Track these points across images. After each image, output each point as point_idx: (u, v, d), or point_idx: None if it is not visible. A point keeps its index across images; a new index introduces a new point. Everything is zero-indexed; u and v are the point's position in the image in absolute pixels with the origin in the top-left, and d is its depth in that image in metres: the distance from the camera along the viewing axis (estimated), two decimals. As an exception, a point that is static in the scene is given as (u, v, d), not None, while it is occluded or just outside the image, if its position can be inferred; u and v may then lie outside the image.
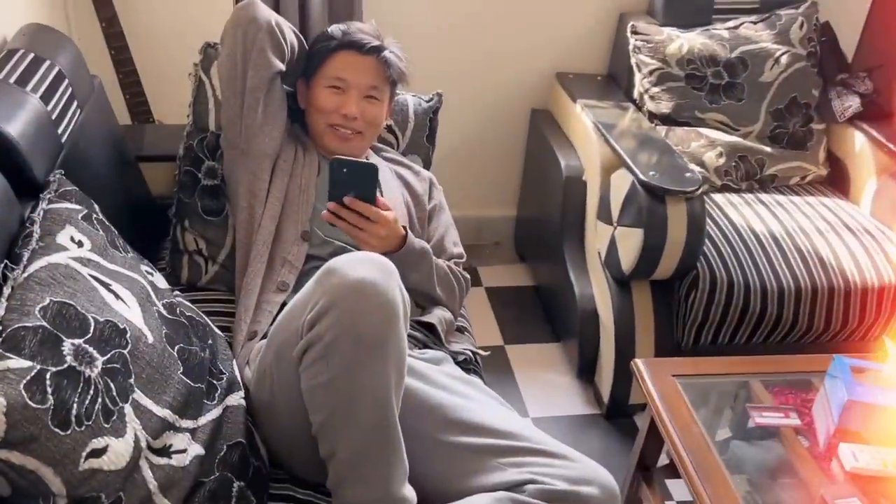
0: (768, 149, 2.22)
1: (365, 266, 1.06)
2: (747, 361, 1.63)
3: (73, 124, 1.39)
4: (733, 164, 2.18)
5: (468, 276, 1.64)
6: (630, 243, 1.87)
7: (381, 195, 1.49)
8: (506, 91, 2.53)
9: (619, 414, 2.05)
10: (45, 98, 1.31)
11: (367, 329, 1.04)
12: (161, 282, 1.26)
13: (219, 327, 1.39)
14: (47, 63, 1.38)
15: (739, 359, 1.64)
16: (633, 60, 2.25)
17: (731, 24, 2.28)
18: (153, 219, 1.71)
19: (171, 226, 1.65)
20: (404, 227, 1.45)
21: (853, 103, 2.24)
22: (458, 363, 1.47)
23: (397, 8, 2.33)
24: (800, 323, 1.91)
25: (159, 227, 1.71)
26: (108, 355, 0.97)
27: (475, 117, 2.55)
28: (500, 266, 2.69)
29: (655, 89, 2.20)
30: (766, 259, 1.92)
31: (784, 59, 2.23)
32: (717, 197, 2.15)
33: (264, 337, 1.34)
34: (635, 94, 2.28)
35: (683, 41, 2.21)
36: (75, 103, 1.42)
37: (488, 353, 1.63)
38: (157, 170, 1.74)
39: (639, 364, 1.57)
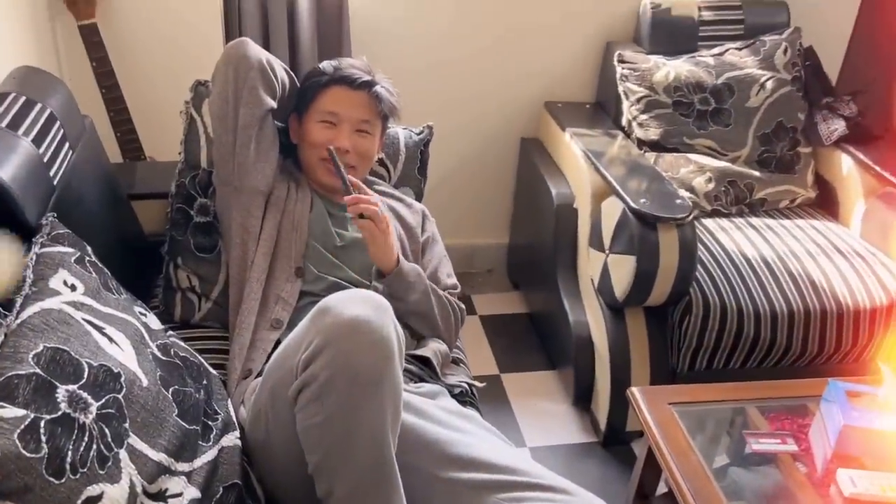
0: (757, 173, 2.24)
1: (359, 304, 1.07)
2: (743, 387, 1.63)
3: (65, 165, 1.40)
4: (723, 188, 2.20)
5: (463, 306, 1.64)
6: (623, 270, 1.88)
7: None
8: (496, 121, 2.55)
9: (616, 441, 2.04)
10: (37, 141, 1.31)
11: (363, 368, 1.03)
12: (154, 323, 1.25)
13: (212, 365, 1.39)
14: (39, 106, 1.38)
15: (735, 385, 1.65)
16: (620, 88, 2.27)
17: (716, 50, 2.32)
18: (146, 256, 1.70)
19: (163, 263, 1.65)
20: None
21: (839, 126, 2.26)
22: (454, 396, 1.47)
23: (386, 43, 2.35)
24: (794, 347, 1.91)
25: (152, 265, 1.70)
26: (103, 400, 0.97)
27: (466, 147, 2.57)
28: (494, 294, 2.70)
29: (643, 116, 2.23)
30: (757, 283, 1.93)
31: (769, 85, 2.26)
32: (708, 222, 2.16)
33: (259, 375, 1.34)
34: (624, 122, 2.30)
35: (670, 69, 2.24)
36: (67, 144, 1.43)
37: (484, 384, 1.63)
38: (150, 207, 1.74)
39: (635, 392, 1.57)
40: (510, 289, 2.72)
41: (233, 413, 1.28)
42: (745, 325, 1.88)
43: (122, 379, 1.01)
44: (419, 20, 2.36)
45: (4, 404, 0.86)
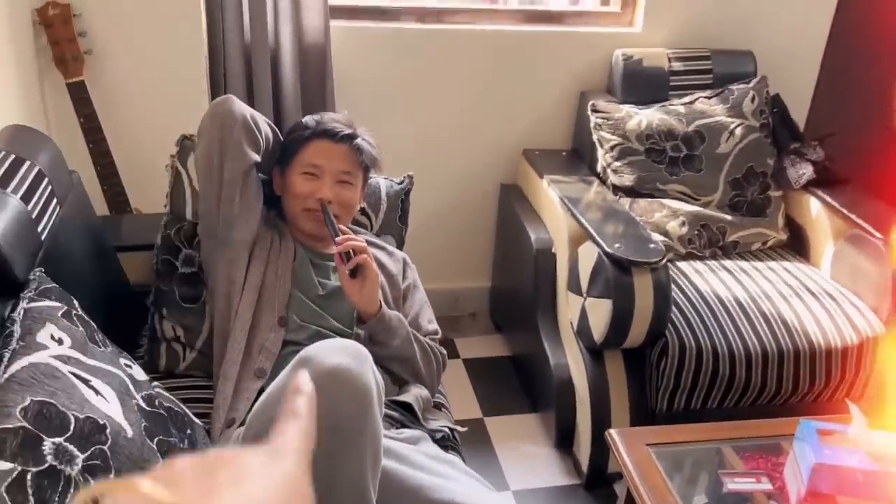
0: (729, 217, 2.31)
1: (339, 354, 1.10)
2: (718, 427, 1.67)
3: (52, 221, 1.43)
4: (696, 232, 2.26)
5: (444, 351, 1.67)
6: (600, 313, 1.92)
7: None
8: (476, 168, 2.62)
9: (598, 483, 2.06)
10: (26, 198, 1.35)
11: (343, 417, 1.06)
12: (140, 374, 1.28)
13: (196, 414, 1.41)
14: (28, 163, 1.42)
15: (711, 425, 1.68)
16: (595, 137, 2.34)
17: (686, 99, 2.40)
18: (131, 307, 1.73)
19: (148, 314, 1.67)
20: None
21: (807, 171, 2.34)
22: (436, 441, 1.49)
23: (368, 94, 2.42)
24: (768, 386, 1.95)
25: (137, 315, 1.73)
26: (89, 452, 0.99)
27: (448, 193, 2.63)
28: (477, 337, 2.73)
29: (617, 163, 2.30)
30: (732, 324, 1.98)
31: (738, 131, 2.34)
32: (683, 265, 2.22)
33: (242, 424, 1.36)
34: (599, 168, 2.37)
35: (642, 117, 2.31)
36: (55, 200, 1.47)
37: (465, 429, 1.65)
38: (136, 259, 1.77)
39: (613, 434, 1.60)
40: (493, 332, 2.75)
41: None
42: (720, 365, 1.92)
43: (108, 430, 1.04)
44: (400, 72, 2.44)
45: (-8, 458, 0.89)
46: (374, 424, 1.10)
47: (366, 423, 1.08)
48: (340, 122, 1.64)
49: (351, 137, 1.62)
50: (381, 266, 1.69)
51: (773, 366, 1.94)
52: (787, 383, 1.96)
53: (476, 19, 2.49)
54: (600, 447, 2.01)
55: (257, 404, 1.25)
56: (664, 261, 1.89)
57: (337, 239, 1.50)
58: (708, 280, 2.14)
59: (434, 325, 1.70)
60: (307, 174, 1.60)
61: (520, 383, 2.48)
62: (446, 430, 1.55)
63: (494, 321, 2.78)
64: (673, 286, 2.01)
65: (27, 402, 0.97)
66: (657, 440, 1.60)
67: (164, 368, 1.64)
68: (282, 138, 1.68)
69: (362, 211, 1.84)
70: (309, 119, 1.65)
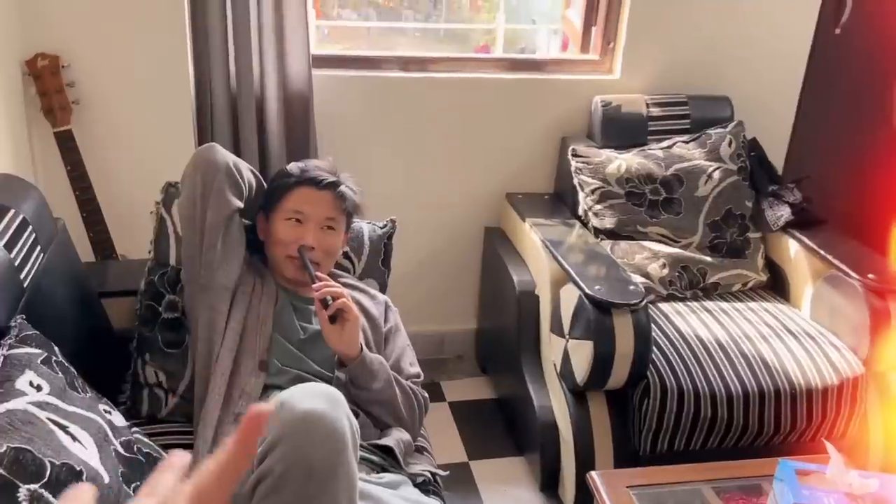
0: (709, 258, 2.34)
1: (313, 398, 1.11)
2: (699, 468, 1.67)
3: (35, 268, 1.45)
4: (676, 274, 2.29)
5: (426, 394, 1.68)
6: (582, 355, 1.94)
7: None
8: (459, 211, 2.65)
9: (583, 527, 2.05)
10: (9, 246, 1.37)
11: (316, 461, 1.07)
12: (119, 420, 1.29)
13: (177, 460, 1.41)
14: (12, 212, 1.44)
15: (691, 466, 1.69)
16: (575, 181, 2.39)
17: (664, 144, 2.45)
18: (115, 352, 1.74)
19: (131, 359, 1.68)
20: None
21: (784, 213, 2.38)
22: (416, 485, 1.49)
23: (353, 142, 2.46)
24: (750, 426, 1.96)
25: (121, 360, 1.74)
26: (64, 499, 0.99)
27: (433, 236, 2.66)
28: (463, 379, 2.73)
29: (598, 206, 2.33)
30: (713, 365, 1.99)
31: (716, 175, 2.38)
32: (664, 306, 2.24)
33: (222, 469, 1.36)
34: (580, 212, 2.40)
35: (621, 161, 2.36)
36: (38, 248, 1.49)
37: (447, 472, 1.65)
38: (119, 304, 1.78)
39: (594, 476, 1.60)
40: (479, 374, 2.76)
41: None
42: (701, 406, 1.93)
43: (84, 476, 1.04)
44: (384, 119, 2.49)
45: (-34, 505, 0.89)
46: (349, 468, 1.11)
47: (339, 466, 1.09)
48: (324, 170, 1.67)
49: (335, 185, 1.65)
50: (363, 309, 1.71)
51: (755, 406, 1.95)
52: (768, 424, 1.97)
53: (459, 68, 2.55)
54: (584, 490, 1.99)
55: (235, 449, 1.25)
56: (644, 302, 1.91)
57: (314, 286, 1.52)
58: (689, 321, 2.16)
59: (416, 369, 1.71)
60: (291, 220, 1.63)
61: (505, 426, 2.48)
62: (427, 474, 1.55)
63: (480, 363, 2.79)
64: (654, 327, 2.03)
65: (3, 449, 0.98)
66: (638, 482, 1.61)
67: (146, 414, 1.64)
68: (265, 185, 1.71)
69: (345, 255, 1.86)
70: (293, 166, 1.69)
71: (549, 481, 2.15)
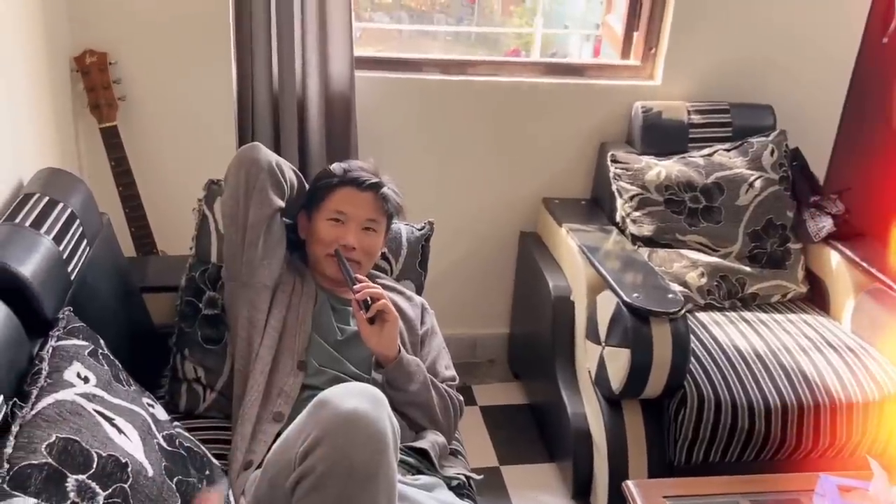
0: (748, 268, 2.31)
1: (356, 397, 1.11)
2: (737, 481, 1.65)
3: (82, 261, 1.47)
4: (715, 283, 2.26)
5: (461, 398, 1.68)
6: (618, 363, 1.92)
7: None
8: (496, 215, 2.65)
9: (615, 536, 2.04)
10: (58, 239, 1.40)
11: (358, 461, 1.07)
12: (161, 413, 1.30)
13: (215, 455, 1.42)
14: (61, 205, 1.47)
15: (729, 478, 1.66)
16: (614, 187, 2.37)
17: (705, 151, 2.42)
18: (155, 347, 1.76)
19: (171, 354, 1.70)
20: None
21: (826, 224, 2.34)
22: (451, 488, 1.49)
23: (392, 144, 2.47)
24: (788, 440, 1.93)
25: (160, 355, 1.76)
26: (110, 490, 1.01)
27: (468, 240, 2.66)
28: (495, 384, 2.72)
29: (637, 213, 2.32)
30: (751, 377, 1.97)
31: (758, 184, 2.35)
32: (702, 315, 2.21)
33: (259, 467, 1.37)
34: (618, 218, 2.38)
35: (661, 168, 2.34)
36: (85, 241, 1.51)
37: (482, 477, 1.65)
38: (160, 300, 1.81)
39: (630, 486, 1.59)
40: (511, 379, 2.75)
41: (233, 503, 1.31)
42: (739, 418, 1.91)
43: (129, 469, 1.06)
44: (423, 122, 2.49)
45: (17, 493, 0.91)
46: (389, 469, 1.11)
47: (380, 467, 1.09)
48: (367, 171, 1.67)
49: (377, 186, 1.65)
50: (400, 311, 1.71)
51: (793, 420, 1.92)
52: (806, 438, 1.94)
53: (498, 71, 2.55)
54: (618, 498, 1.98)
55: (274, 447, 1.26)
56: (683, 311, 1.89)
57: (355, 287, 1.52)
58: (727, 332, 2.14)
59: (451, 372, 1.71)
60: (333, 220, 1.63)
61: (537, 432, 2.47)
62: (462, 477, 1.54)
63: (513, 369, 2.77)
64: (692, 337, 2.01)
65: (53, 439, 0.99)
66: (675, 493, 1.59)
67: (184, 409, 1.66)
68: (307, 185, 1.72)
69: (383, 256, 1.86)
70: (336, 167, 1.69)
71: (580, 489, 2.13)
